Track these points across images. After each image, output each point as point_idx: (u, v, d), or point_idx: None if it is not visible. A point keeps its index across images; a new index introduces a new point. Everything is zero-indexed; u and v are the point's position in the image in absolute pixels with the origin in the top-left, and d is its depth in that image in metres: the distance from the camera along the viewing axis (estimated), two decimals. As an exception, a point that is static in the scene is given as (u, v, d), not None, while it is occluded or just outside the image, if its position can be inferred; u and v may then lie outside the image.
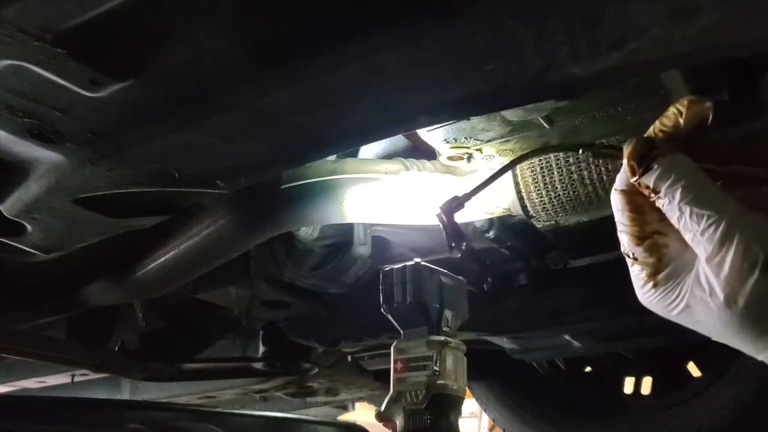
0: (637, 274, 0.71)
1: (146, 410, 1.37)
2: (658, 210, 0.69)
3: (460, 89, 0.74)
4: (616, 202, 0.72)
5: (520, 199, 1.10)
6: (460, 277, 1.12)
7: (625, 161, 0.71)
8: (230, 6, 0.63)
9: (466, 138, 0.97)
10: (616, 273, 0.83)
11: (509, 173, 1.10)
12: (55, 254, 1.07)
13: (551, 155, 1.05)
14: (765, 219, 0.64)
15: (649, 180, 0.68)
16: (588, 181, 1.04)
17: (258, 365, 1.89)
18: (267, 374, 1.96)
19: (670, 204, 0.66)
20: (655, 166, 0.68)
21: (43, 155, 0.82)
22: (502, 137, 0.97)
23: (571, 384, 2.11)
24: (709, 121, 0.70)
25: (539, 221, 1.12)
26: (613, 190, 0.73)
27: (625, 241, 0.72)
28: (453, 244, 0.88)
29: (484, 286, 1.21)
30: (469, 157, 1.03)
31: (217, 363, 1.96)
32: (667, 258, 0.69)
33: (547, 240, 1.21)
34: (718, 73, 0.92)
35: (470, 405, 3.58)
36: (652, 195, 0.68)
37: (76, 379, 2.22)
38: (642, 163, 0.69)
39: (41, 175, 0.86)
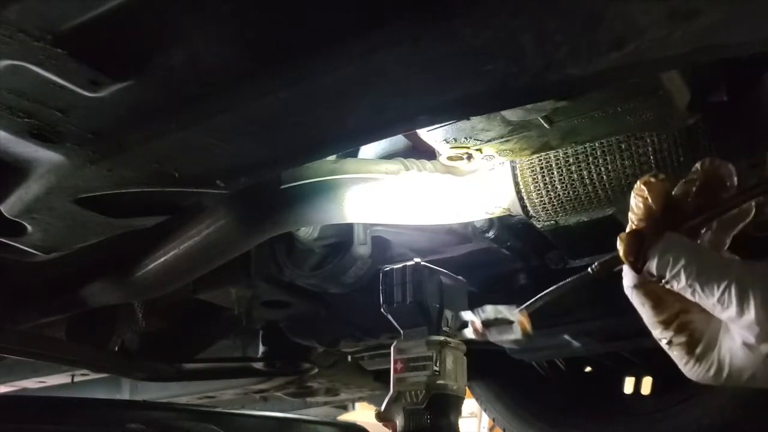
0: (677, 355, 0.73)
1: (146, 410, 1.37)
2: (673, 291, 0.70)
3: (460, 89, 0.74)
4: (635, 299, 0.73)
5: (520, 199, 1.10)
6: (460, 277, 1.12)
7: (623, 259, 0.71)
8: (230, 6, 0.63)
9: (466, 138, 0.97)
10: (615, 273, 0.83)
11: (509, 173, 1.10)
12: (56, 254, 1.07)
13: (551, 155, 1.05)
14: (764, 266, 0.66)
15: (652, 269, 0.69)
16: (588, 181, 1.04)
17: (258, 365, 1.89)
18: (267, 374, 1.96)
19: (679, 285, 0.67)
20: (650, 256, 0.69)
21: (44, 155, 0.82)
22: (502, 137, 0.97)
23: (571, 384, 2.11)
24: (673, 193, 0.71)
25: (539, 221, 1.12)
26: (626, 288, 0.73)
27: (656, 330, 0.73)
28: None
29: None
30: (469, 157, 1.03)
31: (217, 363, 1.96)
32: (697, 331, 0.71)
33: (547, 240, 1.22)
34: (717, 74, 0.92)
35: (470, 405, 3.58)
36: (661, 280, 0.69)
37: (76, 379, 2.23)
38: (638, 257, 0.70)
39: (41, 175, 0.86)
